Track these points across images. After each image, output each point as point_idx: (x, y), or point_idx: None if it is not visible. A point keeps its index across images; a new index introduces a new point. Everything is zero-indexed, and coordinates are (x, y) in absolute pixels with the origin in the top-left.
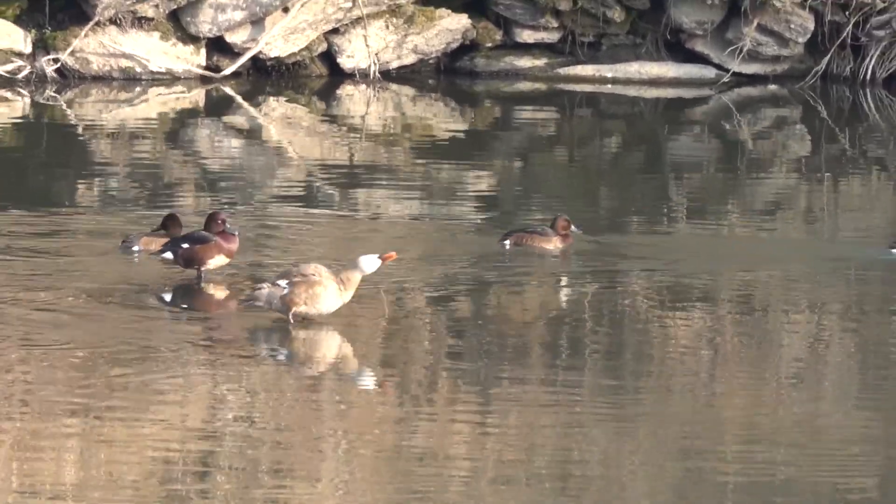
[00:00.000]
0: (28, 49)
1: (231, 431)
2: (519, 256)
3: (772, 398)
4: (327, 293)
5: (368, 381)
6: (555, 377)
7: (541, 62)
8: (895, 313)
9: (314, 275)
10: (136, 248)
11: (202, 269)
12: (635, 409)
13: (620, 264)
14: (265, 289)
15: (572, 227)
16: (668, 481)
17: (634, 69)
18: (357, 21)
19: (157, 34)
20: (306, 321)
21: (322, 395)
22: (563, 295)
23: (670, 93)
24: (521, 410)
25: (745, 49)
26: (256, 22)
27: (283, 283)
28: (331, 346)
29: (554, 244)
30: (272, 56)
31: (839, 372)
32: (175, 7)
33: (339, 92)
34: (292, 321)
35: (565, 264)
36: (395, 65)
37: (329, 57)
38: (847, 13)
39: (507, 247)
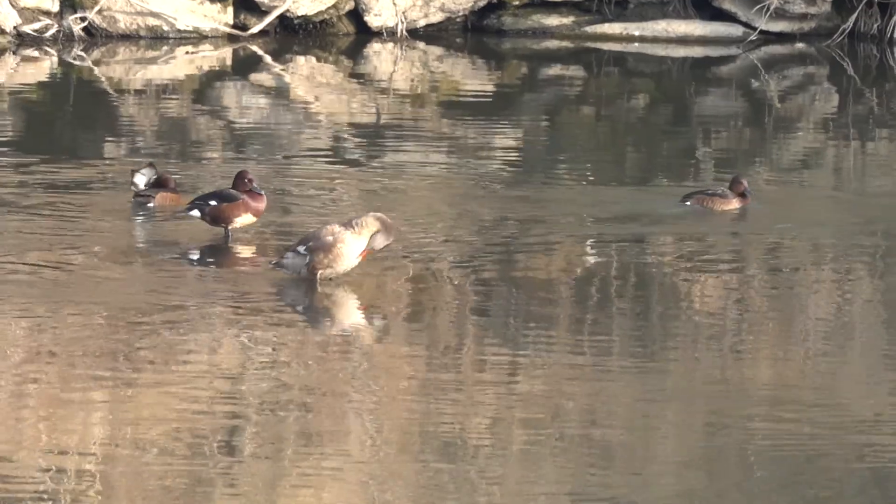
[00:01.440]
0: (55, 7)
1: (258, 392)
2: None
3: (799, 363)
4: (347, 248)
5: (394, 341)
6: (582, 338)
7: (568, 20)
8: None
9: (329, 236)
10: (150, 204)
11: (229, 227)
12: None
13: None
14: (290, 258)
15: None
16: (695, 446)
17: (661, 27)
18: None
19: None
20: (334, 280)
21: (349, 355)
22: (591, 255)
23: (697, 51)
24: (549, 374)
25: (772, 7)
26: None
27: (302, 249)
28: (358, 306)
29: (732, 205)
30: (299, 14)
31: (868, 334)
32: None
33: (366, 50)
34: (318, 285)
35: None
36: (422, 23)
37: (356, 15)
38: None
39: (688, 205)
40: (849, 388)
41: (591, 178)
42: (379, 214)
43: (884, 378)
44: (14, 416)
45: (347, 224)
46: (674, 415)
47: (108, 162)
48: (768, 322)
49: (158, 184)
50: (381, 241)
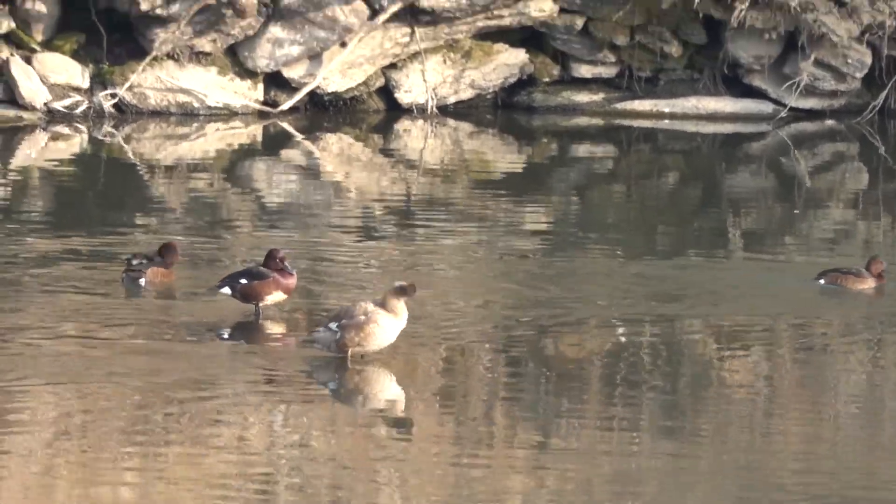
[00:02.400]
0: (86, 84)
1: (288, 466)
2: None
3: (830, 436)
4: (380, 329)
5: (425, 418)
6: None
7: (598, 97)
8: None
9: (362, 315)
10: (142, 280)
11: (260, 304)
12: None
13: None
14: (321, 332)
15: (884, 268)
16: None
17: (692, 104)
18: (414, 56)
19: (214, 69)
20: (365, 357)
21: (378, 433)
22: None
23: (728, 128)
24: (579, 453)
25: (802, 84)
26: (314, 57)
27: (333, 326)
28: (388, 383)
29: (868, 284)
30: (330, 91)
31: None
32: (232, 42)
33: (396, 127)
34: (349, 362)
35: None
36: (452, 100)
37: (386, 92)
38: None
39: (822, 284)
40: None
41: (620, 253)
42: (395, 286)
43: None
44: (45, 486)
45: (381, 304)
46: None
47: (139, 238)
48: None
49: (160, 254)
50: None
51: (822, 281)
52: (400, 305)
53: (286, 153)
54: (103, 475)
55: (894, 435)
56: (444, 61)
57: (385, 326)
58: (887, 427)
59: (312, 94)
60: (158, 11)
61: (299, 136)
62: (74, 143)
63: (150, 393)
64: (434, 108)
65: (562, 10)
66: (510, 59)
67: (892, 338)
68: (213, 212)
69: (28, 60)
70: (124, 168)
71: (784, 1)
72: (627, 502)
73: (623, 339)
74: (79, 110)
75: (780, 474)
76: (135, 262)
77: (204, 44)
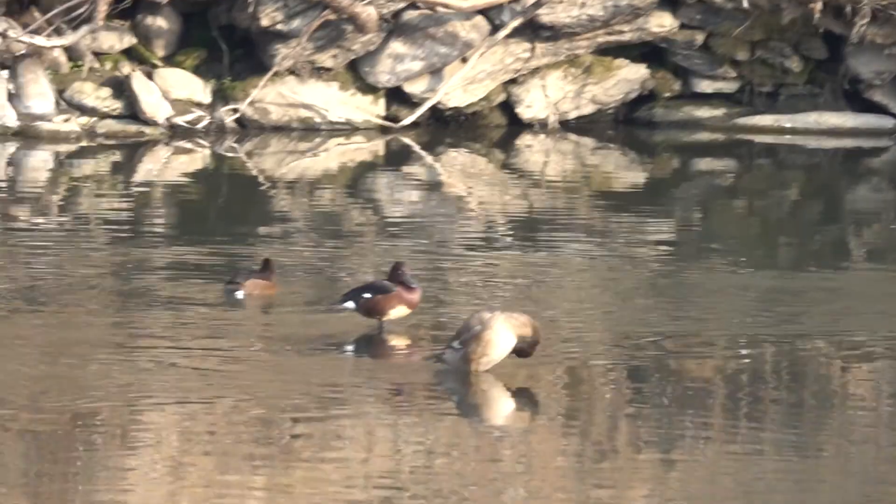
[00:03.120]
0: (207, 99)
1: (413, 482)
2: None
3: None
4: (497, 335)
5: (550, 436)
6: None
7: (719, 112)
8: None
9: (478, 325)
10: (240, 293)
11: (383, 319)
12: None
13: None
14: (447, 353)
15: None
16: None
17: (813, 119)
18: (535, 71)
19: (335, 84)
20: (490, 372)
21: (502, 448)
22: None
23: (849, 143)
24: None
25: None
26: (435, 72)
27: (456, 344)
28: (511, 399)
29: None
30: (451, 106)
31: None
32: (353, 57)
33: (517, 142)
34: (474, 376)
35: None
36: (573, 115)
37: (507, 107)
38: None
39: None
40: None
41: (743, 268)
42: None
43: None
44: (165, 501)
45: (501, 311)
46: None
47: (260, 252)
48: None
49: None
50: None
51: None
52: (521, 322)
53: (408, 168)
54: (229, 493)
55: None
56: (565, 76)
57: (501, 332)
58: None
59: (433, 110)
60: (279, 27)
61: (421, 151)
62: (196, 158)
63: (270, 408)
64: (555, 124)
65: (682, 26)
66: (631, 75)
67: None
68: (335, 226)
69: (149, 76)
70: (247, 183)
71: None
72: None
73: (748, 355)
74: (200, 125)
75: None
76: (238, 278)
77: (325, 59)
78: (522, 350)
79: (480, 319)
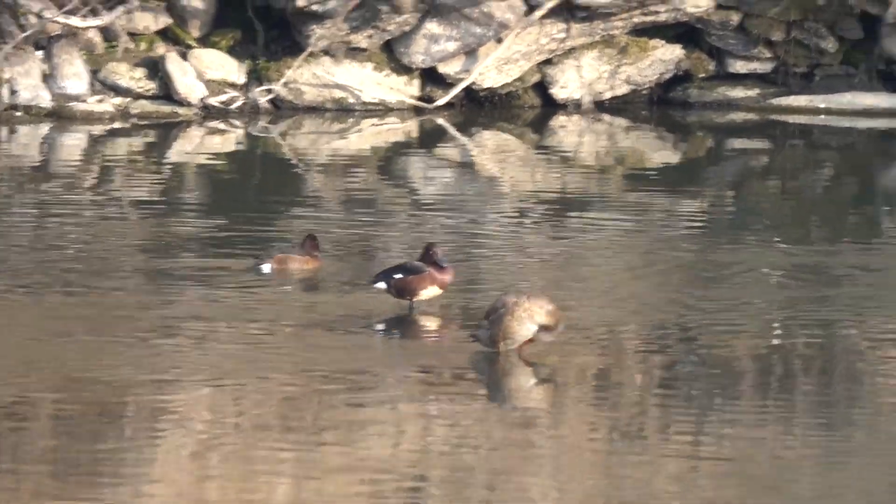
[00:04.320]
0: (242, 80)
1: (441, 463)
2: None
3: None
4: (517, 322)
5: (577, 422)
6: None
7: (753, 93)
8: None
9: (502, 308)
10: (265, 267)
11: (414, 299)
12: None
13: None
14: (479, 330)
15: None
16: None
17: (847, 100)
18: (570, 52)
19: (370, 65)
20: (518, 351)
21: (530, 430)
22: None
23: (883, 123)
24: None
25: None
26: (469, 52)
27: (486, 323)
28: (540, 381)
29: None
30: (485, 87)
31: None
32: (388, 38)
33: (551, 123)
34: (502, 357)
35: None
36: (607, 95)
37: (542, 87)
38: None
39: None
40: None
41: (775, 247)
42: (550, 308)
43: None
44: (197, 480)
45: (526, 296)
46: None
47: (292, 233)
48: None
49: (303, 245)
50: (545, 336)
51: None
52: (547, 307)
53: (442, 149)
54: (257, 474)
55: None
56: (600, 57)
57: (521, 319)
58: None
59: (468, 90)
60: (315, 7)
61: (455, 132)
62: (230, 138)
63: (302, 387)
64: (590, 104)
65: (718, 7)
66: (665, 55)
67: None
68: (368, 206)
69: (184, 56)
70: (280, 163)
71: None
72: (780, 494)
73: (779, 336)
74: (234, 106)
75: None
76: (269, 252)
77: (360, 40)
78: (547, 328)
79: (504, 303)
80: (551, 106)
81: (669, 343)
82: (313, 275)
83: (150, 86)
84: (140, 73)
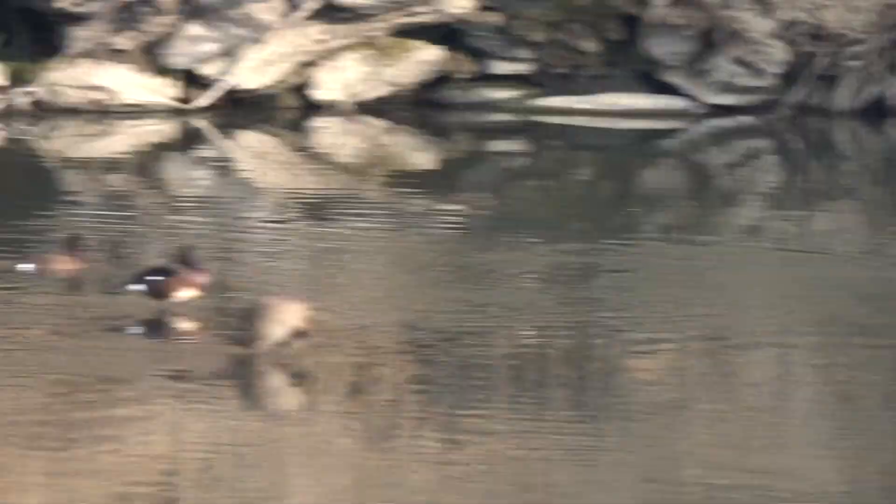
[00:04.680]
0: (5, 82)
1: (195, 465)
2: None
3: None
4: (270, 323)
5: (329, 423)
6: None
7: (515, 94)
8: None
9: (257, 310)
10: (26, 266)
11: (171, 301)
12: None
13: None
14: (233, 333)
15: None
16: None
17: (607, 100)
18: (331, 53)
19: (131, 66)
20: (272, 353)
21: (284, 434)
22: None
23: (643, 124)
24: None
25: (718, 81)
26: (230, 54)
27: (239, 326)
28: (292, 383)
29: None
30: (246, 88)
31: None
32: (150, 39)
33: (312, 124)
34: (257, 359)
35: None
36: (369, 96)
37: (304, 89)
38: (821, 44)
39: None
40: None
41: (533, 246)
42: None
43: None
44: None
45: (278, 300)
46: None
47: (53, 234)
48: None
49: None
50: (300, 339)
51: None
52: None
53: (201, 150)
54: (6, 477)
55: None
56: (362, 58)
57: (272, 322)
58: None
59: (229, 92)
60: (76, 9)
61: (216, 134)
62: None
63: (54, 392)
64: (351, 105)
65: (482, 8)
66: (427, 56)
67: None
68: (125, 209)
69: None
70: (40, 165)
71: None
72: (537, 492)
73: (533, 336)
74: None
75: None
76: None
77: (121, 41)
78: (300, 333)
79: (259, 305)
80: (313, 107)
81: (424, 344)
82: (76, 275)
83: None
84: None
